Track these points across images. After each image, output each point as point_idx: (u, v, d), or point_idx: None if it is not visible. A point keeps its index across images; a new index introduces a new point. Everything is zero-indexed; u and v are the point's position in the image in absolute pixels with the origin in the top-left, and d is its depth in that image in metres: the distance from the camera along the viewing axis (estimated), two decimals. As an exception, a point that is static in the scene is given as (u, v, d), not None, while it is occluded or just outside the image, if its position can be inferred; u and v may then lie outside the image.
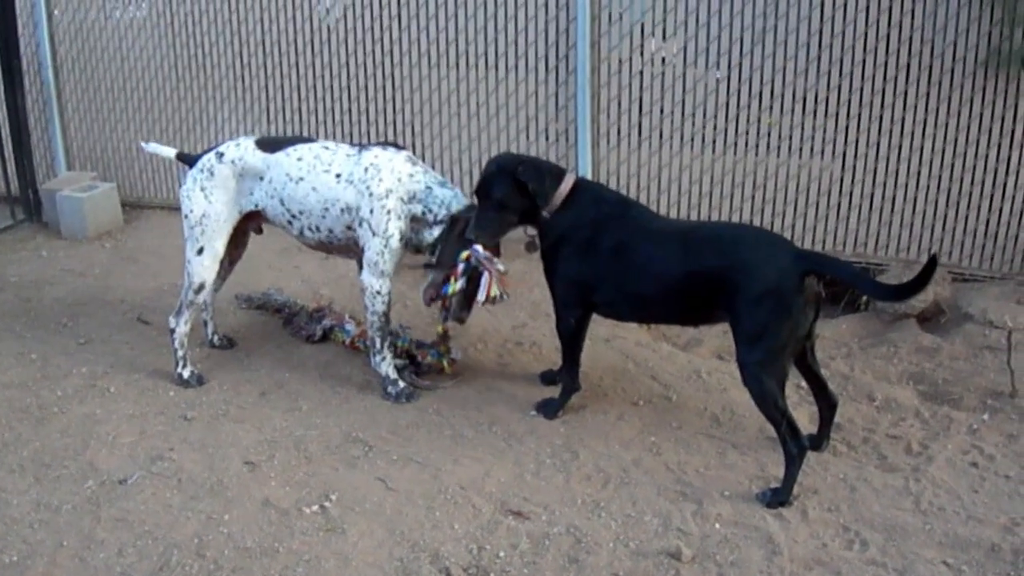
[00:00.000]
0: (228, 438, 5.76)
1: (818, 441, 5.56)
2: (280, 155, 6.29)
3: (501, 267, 5.95)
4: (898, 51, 7.63)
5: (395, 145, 6.32)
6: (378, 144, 6.31)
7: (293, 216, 6.28)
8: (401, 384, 6.27)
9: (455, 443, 5.72)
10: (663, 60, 8.36)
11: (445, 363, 6.52)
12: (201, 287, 6.40)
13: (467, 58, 8.87)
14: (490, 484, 5.30)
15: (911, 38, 7.58)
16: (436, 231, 6.09)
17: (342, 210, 6.14)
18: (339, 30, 9.18)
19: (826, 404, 5.55)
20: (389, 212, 6.03)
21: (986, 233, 7.71)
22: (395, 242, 6.08)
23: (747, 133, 8.20)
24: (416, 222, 6.12)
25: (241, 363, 6.75)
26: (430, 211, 6.08)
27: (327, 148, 6.29)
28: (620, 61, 8.43)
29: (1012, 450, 5.60)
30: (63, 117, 10.37)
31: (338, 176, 6.15)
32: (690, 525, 4.94)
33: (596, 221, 5.63)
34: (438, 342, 6.50)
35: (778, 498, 5.04)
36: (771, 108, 8.08)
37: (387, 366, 6.29)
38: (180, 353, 6.45)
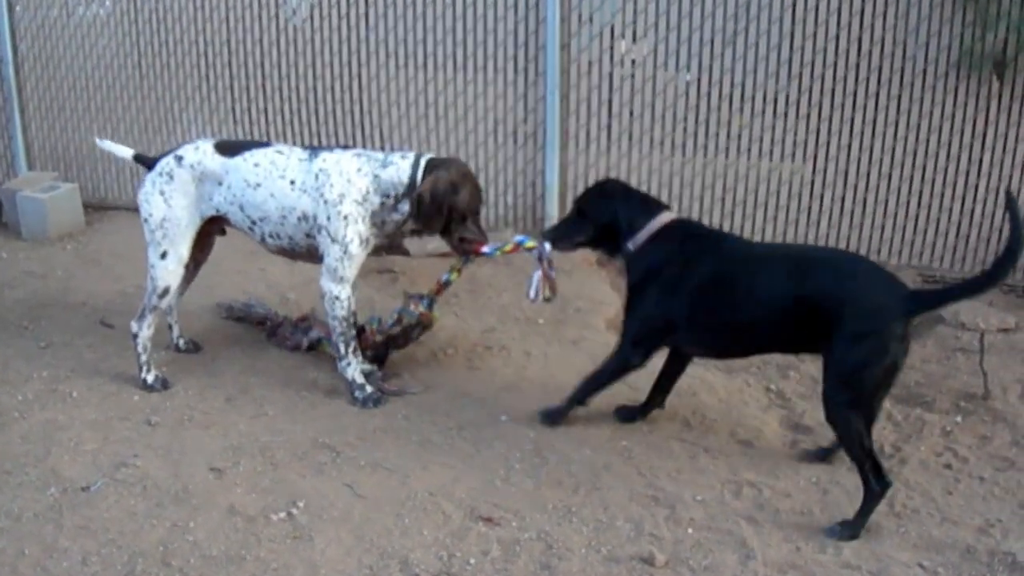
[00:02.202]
0: (193, 444, 5.72)
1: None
2: (238, 160, 6.25)
3: (553, 273, 6.03)
4: (870, 53, 7.68)
5: (344, 146, 6.32)
6: (333, 148, 6.29)
7: (253, 222, 6.25)
8: (368, 389, 6.22)
9: (423, 448, 5.68)
10: (633, 62, 8.37)
11: (435, 313, 6.56)
12: (165, 291, 6.36)
13: (435, 59, 8.87)
14: (459, 490, 5.27)
15: (883, 40, 7.63)
16: (404, 206, 6.04)
17: (299, 218, 6.12)
18: (305, 29, 9.15)
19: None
20: (346, 217, 5.99)
21: (958, 235, 7.76)
22: (354, 247, 6.05)
23: (717, 136, 8.22)
24: (384, 209, 6.08)
25: (206, 368, 6.70)
26: (388, 196, 6.05)
27: (281, 153, 6.25)
28: (590, 63, 8.45)
29: (986, 452, 5.63)
30: (24, 115, 10.30)
31: (292, 183, 6.12)
32: (663, 530, 4.92)
33: (686, 256, 5.51)
34: (437, 289, 6.53)
35: (850, 531, 4.91)
36: (742, 110, 8.11)
37: (353, 371, 6.24)
38: (143, 358, 6.40)
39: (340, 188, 6.00)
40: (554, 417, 5.94)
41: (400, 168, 6.03)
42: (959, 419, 5.97)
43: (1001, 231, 7.73)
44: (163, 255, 6.30)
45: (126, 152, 6.64)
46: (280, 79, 9.32)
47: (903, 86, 7.69)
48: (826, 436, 5.72)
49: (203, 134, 9.60)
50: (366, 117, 9.18)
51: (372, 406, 6.14)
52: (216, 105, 9.59)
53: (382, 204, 6.05)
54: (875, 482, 4.93)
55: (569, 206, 8.43)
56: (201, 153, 6.29)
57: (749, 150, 8.20)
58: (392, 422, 5.98)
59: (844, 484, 5.23)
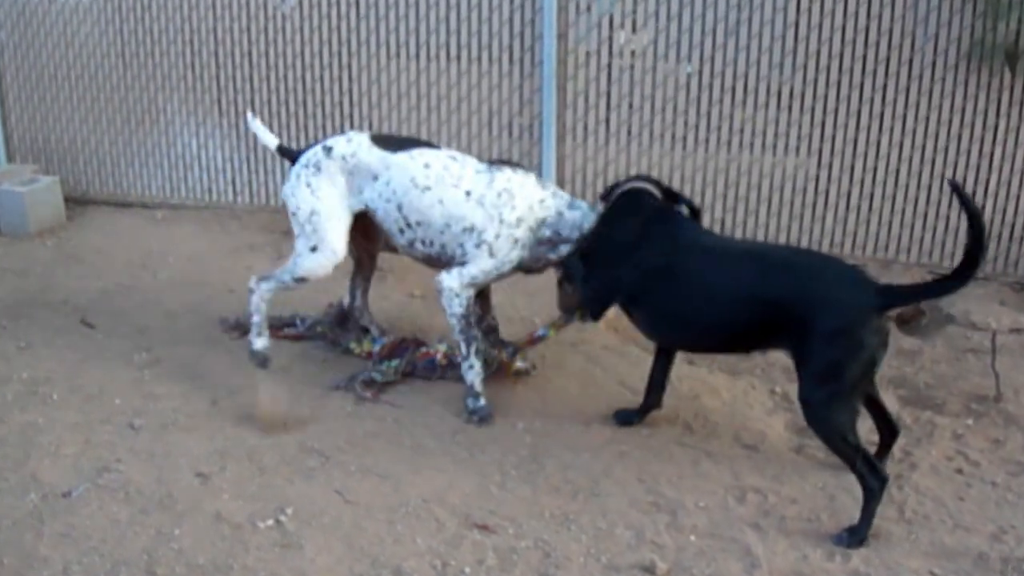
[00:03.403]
0: (178, 448, 5.69)
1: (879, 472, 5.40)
2: (404, 157, 6.14)
3: None
4: (877, 43, 7.65)
5: (518, 165, 6.23)
6: (506, 164, 6.21)
7: (408, 225, 6.13)
8: (482, 402, 6.06)
9: (416, 454, 5.66)
10: (632, 53, 8.34)
11: (516, 363, 6.51)
12: (303, 280, 6.30)
13: (428, 48, 8.84)
14: (454, 496, 5.25)
15: (891, 30, 7.60)
16: (564, 249, 5.98)
17: (465, 229, 6.00)
18: (294, 17, 9.12)
19: (888, 432, 5.43)
20: (516, 241, 5.94)
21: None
22: (508, 268, 6.02)
23: (719, 129, 8.20)
24: (543, 244, 6.02)
25: (191, 369, 6.66)
26: (559, 235, 5.98)
27: (455, 159, 6.14)
28: (588, 53, 8.43)
29: (998, 456, 5.61)
30: (3, 105, 10.23)
31: (468, 193, 6.00)
32: (664, 537, 4.90)
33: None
34: (528, 341, 6.47)
35: (857, 536, 4.89)
36: (744, 103, 8.08)
37: (474, 376, 6.10)
38: (256, 319, 6.37)
39: (522, 212, 5.93)
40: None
41: (586, 216, 5.96)
42: (970, 422, 5.95)
43: (1014, 228, 7.72)
44: (313, 248, 6.20)
45: (271, 141, 6.56)
46: (267, 68, 9.28)
47: (911, 78, 7.68)
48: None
49: (188, 125, 9.57)
50: (355, 108, 9.15)
51: (477, 422, 6.00)
52: (201, 95, 9.55)
53: (550, 239, 6.00)
54: (871, 478, 4.92)
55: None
56: (355, 145, 6.21)
57: (752, 144, 8.18)
58: (383, 426, 5.95)
59: (852, 490, 5.18)
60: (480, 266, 5.96)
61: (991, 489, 5.30)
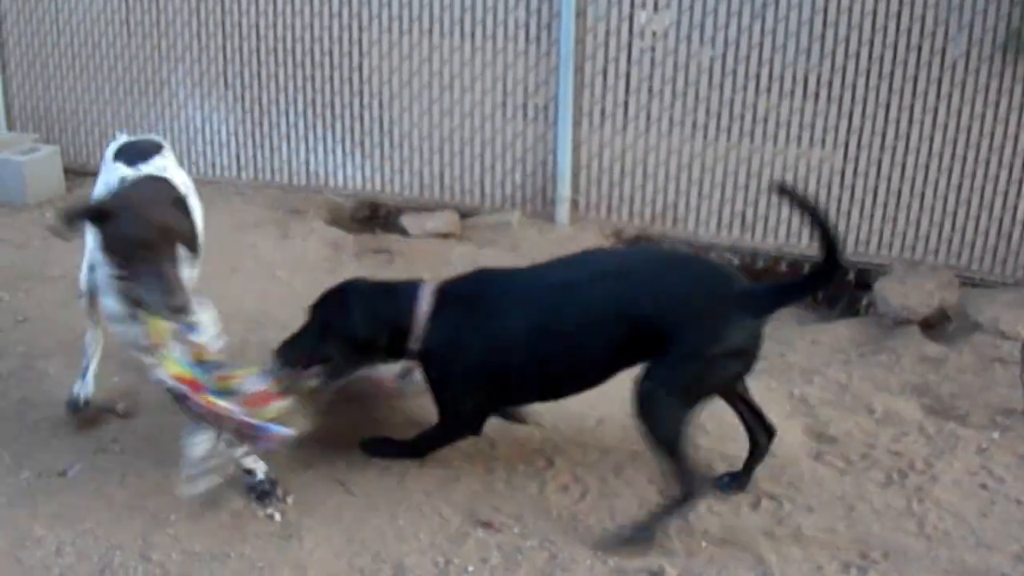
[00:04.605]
0: (177, 431, 5.70)
1: (745, 480, 5.39)
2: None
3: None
4: (909, 31, 7.65)
5: None
6: None
7: None
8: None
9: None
10: (654, 34, 8.33)
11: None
12: None
13: (441, 24, 8.82)
14: (458, 492, 5.27)
15: (923, 17, 7.60)
16: None
17: None
18: (304, -12, 9.11)
19: (764, 434, 5.36)
20: None
21: (999, 233, 7.72)
22: None
23: (742, 118, 8.20)
24: None
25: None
26: None
27: None
28: (607, 33, 8.41)
29: (1025, 472, 5.61)
30: (5, 72, 10.24)
31: None
32: (674, 542, 4.92)
33: (487, 312, 5.22)
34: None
35: (642, 534, 4.92)
36: (769, 91, 8.08)
37: None
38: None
39: None
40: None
41: None
42: (996, 435, 5.93)
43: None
44: None
45: None
46: (275, 40, 9.26)
47: (944, 68, 7.65)
48: (854, 448, 5.72)
49: (192, 97, 9.58)
50: (365, 85, 9.14)
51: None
52: (207, 67, 9.54)
53: None
54: (688, 487, 4.90)
55: (583, 186, 8.49)
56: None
57: (776, 134, 8.17)
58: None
59: (872, 501, 5.23)
60: None
61: (1016, 508, 5.29)
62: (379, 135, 9.13)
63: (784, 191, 5.00)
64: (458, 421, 5.43)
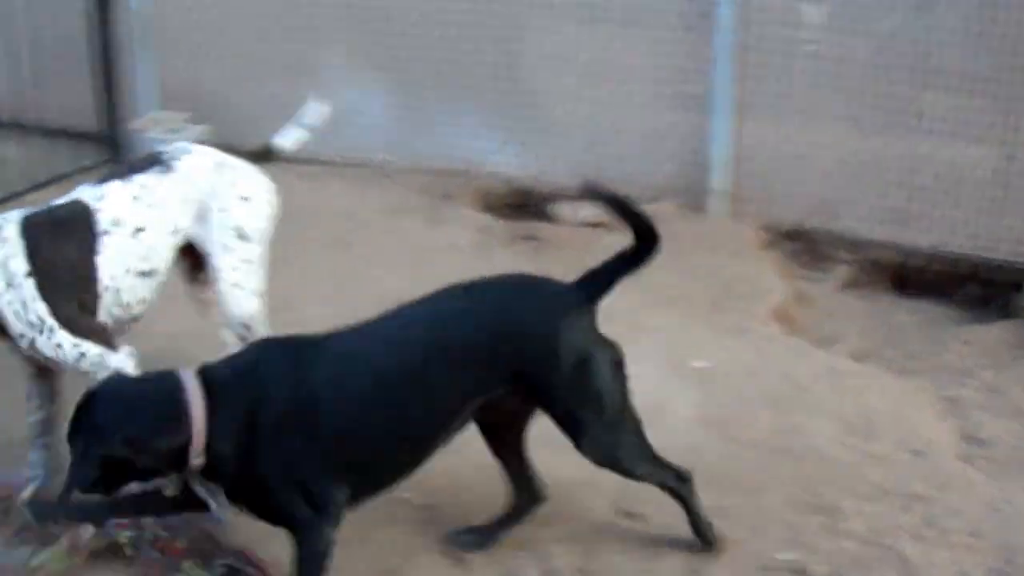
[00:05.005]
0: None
1: (489, 540, 4.90)
2: None
3: None
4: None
5: None
6: None
7: None
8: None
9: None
10: (815, 25, 8.27)
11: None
12: None
13: (597, 11, 8.83)
14: (606, 481, 5.04)
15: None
16: None
17: None
18: (459, -27, 9.16)
19: (529, 497, 4.91)
20: None
21: None
22: None
23: (902, 112, 8.08)
24: None
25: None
26: None
27: None
28: (769, 22, 8.32)
29: None
30: (158, 51, 10.39)
31: None
32: (819, 540, 4.90)
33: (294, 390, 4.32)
34: None
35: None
36: (931, 85, 7.95)
37: None
38: None
39: None
40: None
41: None
42: None
43: None
44: None
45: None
46: (429, 26, 9.33)
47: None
48: (1004, 451, 5.65)
49: (346, 78, 9.67)
50: (519, 71, 9.15)
51: None
52: (360, 49, 9.62)
53: None
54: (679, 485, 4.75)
55: (738, 179, 8.43)
56: None
57: (935, 130, 8.04)
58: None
59: (1021, 507, 5.16)
60: None
61: None
62: (533, 122, 9.15)
63: (589, 191, 4.71)
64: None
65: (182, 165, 5.31)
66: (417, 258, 7.86)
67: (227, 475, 4.28)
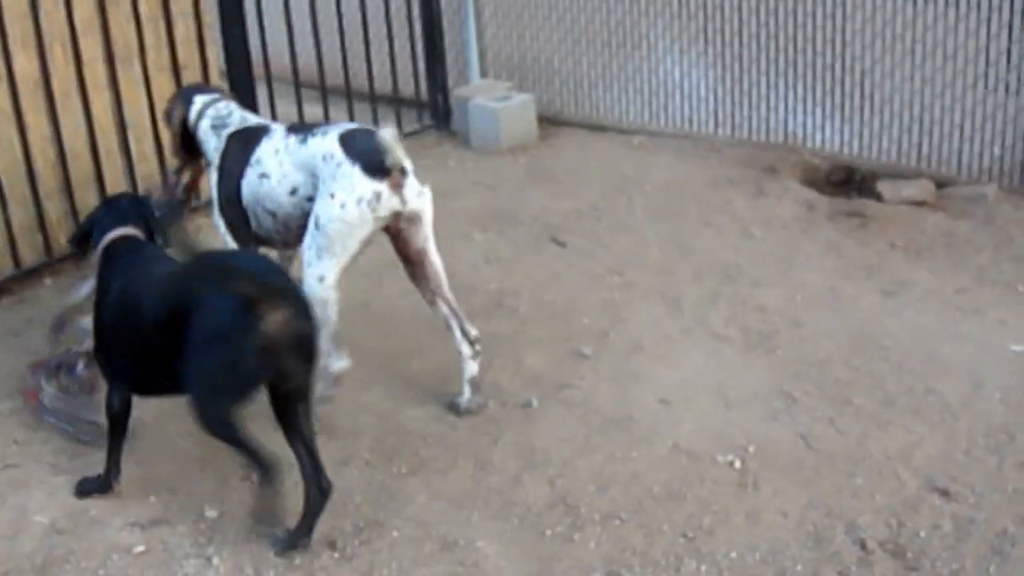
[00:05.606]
0: (643, 372, 5.99)
1: (304, 538, 4.82)
2: None
3: None
4: None
5: None
6: None
7: None
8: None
9: (885, 407, 5.68)
10: None
11: None
12: None
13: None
14: (918, 457, 5.26)
15: None
16: None
17: None
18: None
19: (317, 490, 4.81)
20: None
21: None
22: None
23: None
24: None
25: (665, 296, 6.89)
26: None
27: None
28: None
29: None
30: (479, 20, 10.60)
31: None
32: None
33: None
34: None
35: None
36: None
37: None
38: None
39: None
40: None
41: None
42: None
43: None
44: None
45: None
46: (752, 4, 9.40)
47: None
48: None
49: (671, 52, 9.75)
50: (847, 48, 9.03)
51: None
52: (688, 23, 9.64)
53: None
54: (261, 468, 4.61)
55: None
56: None
57: None
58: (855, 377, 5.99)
59: None
60: None
61: None
62: (859, 99, 9.08)
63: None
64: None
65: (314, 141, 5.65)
66: (741, 229, 7.88)
67: None
